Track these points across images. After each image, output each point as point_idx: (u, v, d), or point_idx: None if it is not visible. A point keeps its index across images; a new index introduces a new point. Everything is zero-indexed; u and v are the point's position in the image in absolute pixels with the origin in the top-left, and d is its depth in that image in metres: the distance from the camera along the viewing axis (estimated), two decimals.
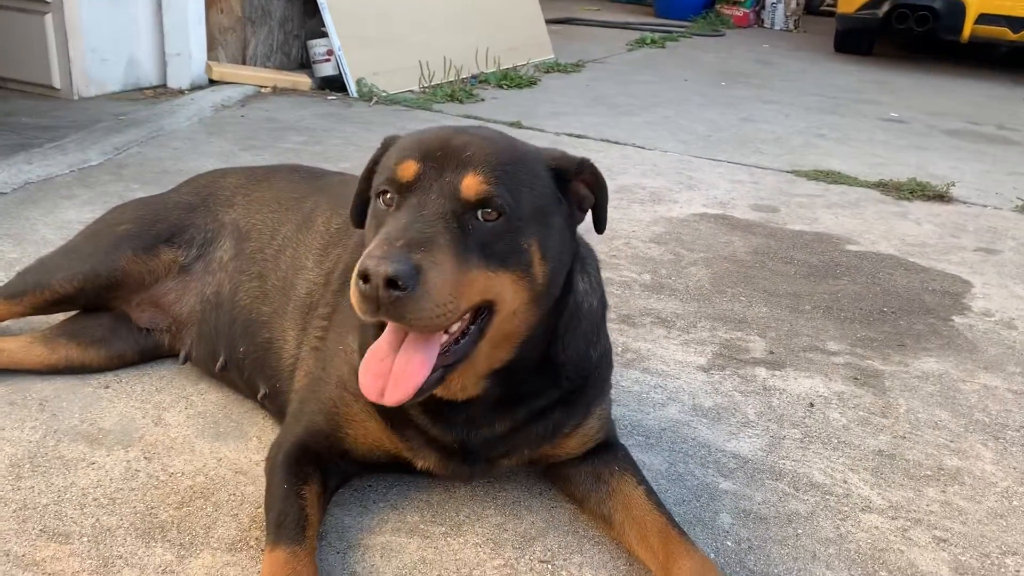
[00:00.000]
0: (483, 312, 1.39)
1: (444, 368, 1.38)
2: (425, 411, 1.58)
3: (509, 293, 1.38)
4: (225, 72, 5.43)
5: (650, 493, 1.66)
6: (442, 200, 1.33)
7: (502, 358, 1.51)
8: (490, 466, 1.69)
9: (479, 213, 1.34)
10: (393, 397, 1.33)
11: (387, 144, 1.54)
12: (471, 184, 1.34)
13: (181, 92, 5.20)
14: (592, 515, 1.72)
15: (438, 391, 1.46)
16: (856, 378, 2.44)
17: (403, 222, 1.30)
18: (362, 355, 1.57)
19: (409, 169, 1.37)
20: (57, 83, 4.85)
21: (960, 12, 7.85)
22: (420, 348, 1.34)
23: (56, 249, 2.20)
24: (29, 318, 2.17)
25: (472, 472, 1.68)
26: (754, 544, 1.73)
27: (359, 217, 1.57)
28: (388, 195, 1.39)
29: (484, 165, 1.36)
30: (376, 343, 1.38)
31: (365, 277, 1.23)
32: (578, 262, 1.61)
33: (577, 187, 1.52)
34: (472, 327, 1.39)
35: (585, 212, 1.56)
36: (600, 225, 1.57)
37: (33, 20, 4.77)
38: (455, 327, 1.37)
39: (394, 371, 1.34)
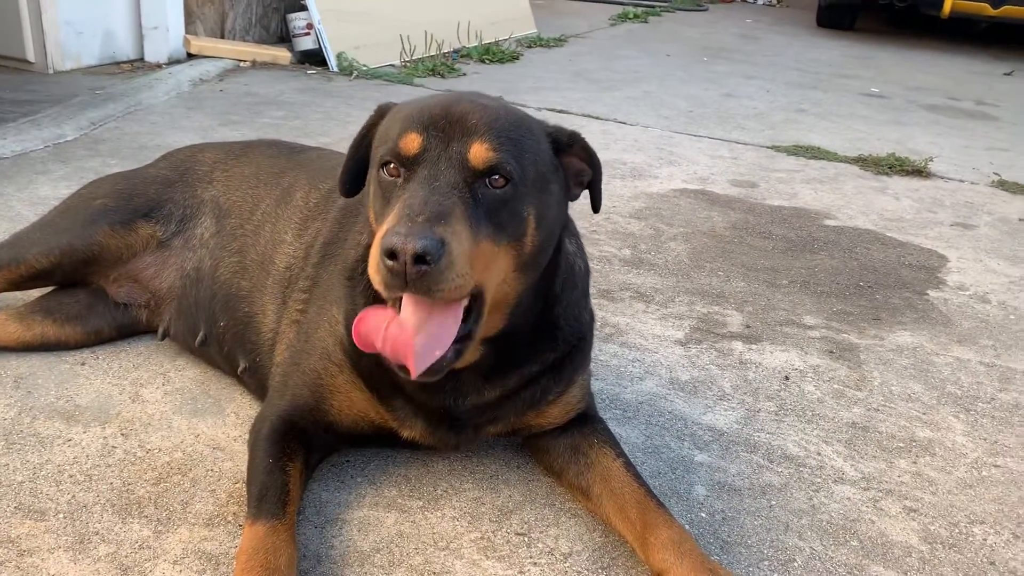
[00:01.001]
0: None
1: (459, 342, 1.37)
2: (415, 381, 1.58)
3: (501, 263, 1.39)
4: (203, 46, 5.36)
5: (628, 466, 1.67)
6: (451, 170, 1.33)
7: (495, 326, 1.52)
8: (476, 434, 1.70)
9: (487, 180, 1.35)
10: (421, 369, 1.32)
11: (382, 111, 1.54)
12: (479, 152, 1.34)
13: (159, 66, 5.14)
14: (570, 487, 1.74)
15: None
16: (831, 351, 2.47)
17: (419, 195, 1.30)
18: (347, 326, 1.59)
19: (414, 141, 1.36)
20: (31, 56, 4.78)
21: None
22: (444, 323, 1.33)
23: (31, 224, 2.18)
24: (3, 295, 2.16)
25: (459, 440, 1.69)
26: (728, 515, 1.75)
27: (349, 186, 1.58)
28: (392, 166, 1.38)
29: (489, 132, 1.36)
30: (399, 318, 1.34)
31: (391, 254, 1.23)
32: (567, 227, 1.64)
33: (571, 160, 1.53)
34: (475, 301, 1.38)
35: (582, 188, 1.57)
36: (596, 203, 1.58)
37: None
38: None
39: (419, 346, 1.32)
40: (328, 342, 1.65)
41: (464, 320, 1.36)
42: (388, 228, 1.26)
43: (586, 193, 1.61)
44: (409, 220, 1.26)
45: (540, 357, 1.63)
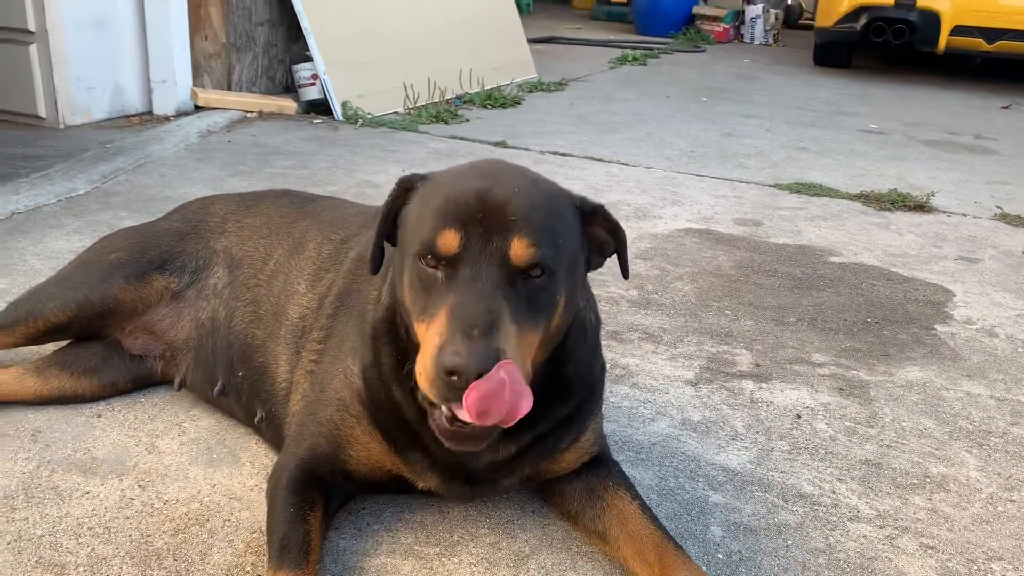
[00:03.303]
0: None
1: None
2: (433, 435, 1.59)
3: (533, 342, 1.42)
4: (211, 98, 5.45)
5: (644, 508, 1.68)
6: (493, 268, 1.35)
7: None
8: (491, 487, 1.71)
9: (528, 273, 1.37)
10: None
11: (406, 187, 1.52)
12: (519, 249, 1.35)
13: (167, 119, 5.22)
14: (586, 531, 1.74)
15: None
16: (842, 388, 2.48)
17: (468, 301, 1.31)
18: (365, 380, 1.62)
19: (453, 240, 1.36)
20: (43, 112, 4.87)
21: (935, 24, 7.97)
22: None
23: (48, 279, 2.21)
24: (20, 349, 2.18)
25: (474, 493, 1.71)
26: (745, 556, 1.75)
27: (377, 263, 1.58)
28: (431, 260, 1.38)
29: (528, 226, 1.37)
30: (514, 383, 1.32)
31: (453, 372, 1.25)
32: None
33: (595, 231, 1.54)
34: None
35: (604, 258, 1.59)
36: (624, 271, 1.61)
37: (18, 50, 4.79)
38: None
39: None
40: (344, 393, 1.67)
41: None
42: (443, 342, 1.28)
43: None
44: (465, 335, 1.27)
45: (553, 413, 1.64)
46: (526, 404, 1.30)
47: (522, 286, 1.36)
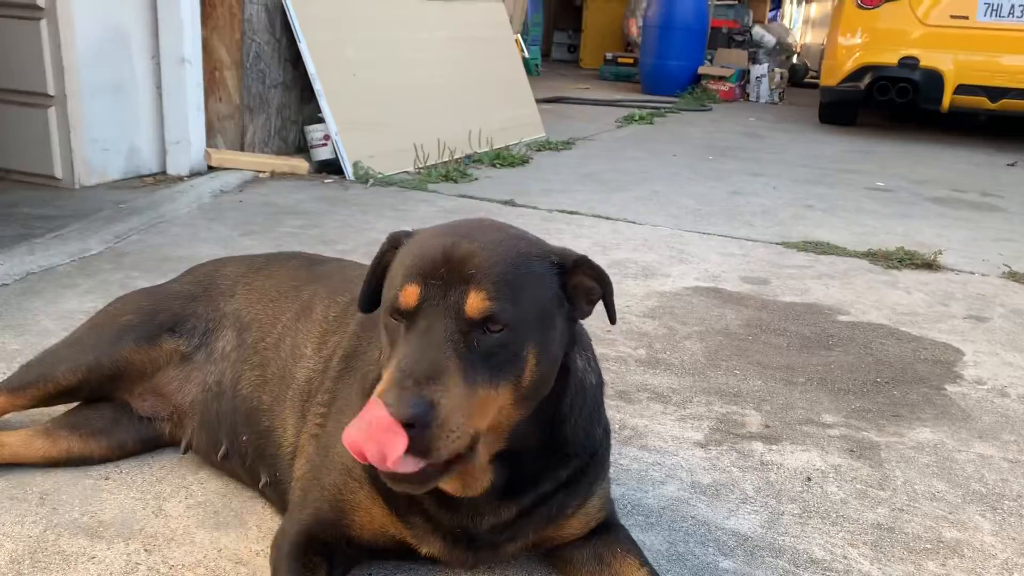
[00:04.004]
0: None
1: (445, 466, 1.37)
2: (432, 498, 1.59)
3: (499, 400, 1.40)
4: (224, 158, 5.55)
5: (653, 574, 1.66)
6: (448, 321, 1.36)
7: (491, 449, 1.52)
8: (495, 552, 1.69)
9: (484, 327, 1.37)
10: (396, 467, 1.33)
11: (394, 242, 1.57)
12: (474, 303, 1.36)
13: (181, 179, 5.31)
14: None
15: (444, 486, 1.50)
16: (852, 450, 2.46)
17: (413, 354, 1.33)
18: None
19: (413, 294, 1.39)
20: (59, 173, 4.95)
21: (939, 83, 8.08)
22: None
23: (59, 341, 2.23)
24: (29, 411, 2.19)
25: (477, 559, 1.69)
26: None
27: (368, 304, 1.62)
28: (396, 315, 1.41)
29: (486, 279, 1.38)
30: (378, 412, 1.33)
31: None
32: (576, 342, 1.64)
33: (581, 280, 1.53)
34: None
35: (593, 305, 1.58)
36: (611, 316, 1.59)
37: (37, 114, 4.90)
38: None
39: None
40: (347, 457, 1.66)
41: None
42: (381, 388, 1.31)
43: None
44: (399, 386, 1.29)
45: (553, 475, 1.63)
46: (395, 446, 1.27)
47: (479, 341, 1.36)
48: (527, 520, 1.65)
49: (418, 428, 1.27)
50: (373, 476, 1.63)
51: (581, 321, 1.76)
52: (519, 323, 1.38)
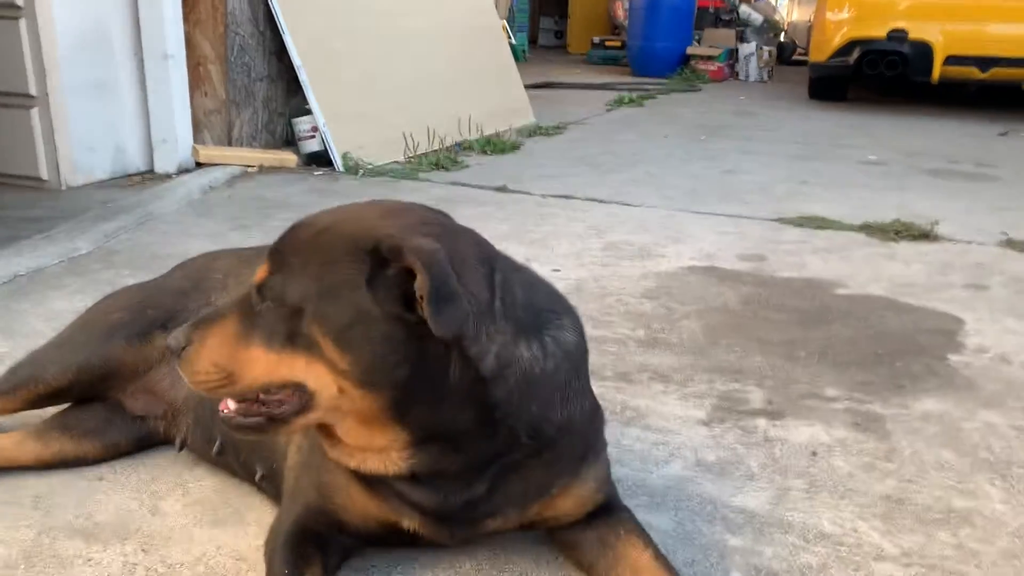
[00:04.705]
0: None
1: (268, 419, 1.51)
2: (399, 476, 1.57)
3: (312, 375, 1.44)
4: (211, 154, 5.49)
5: (658, 556, 1.63)
6: (248, 288, 1.51)
7: (398, 435, 1.49)
8: (474, 528, 1.64)
9: (264, 297, 1.47)
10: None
11: None
12: (259, 272, 1.50)
13: (168, 176, 5.25)
14: None
15: (370, 466, 1.54)
16: (857, 423, 2.43)
17: (214, 311, 1.56)
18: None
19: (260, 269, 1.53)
20: (44, 174, 4.89)
21: (928, 55, 8.05)
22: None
23: (48, 341, 2.19)
24: (21, 413, 2.15)
25: (454, 534, 1.64)
26: None
27: None
28: None
29: (275, 253, 1.49)
30: None
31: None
32: (507, 332, 1.50)
33: (402, 272, 1.38)
34: (294, 400, 1.48)
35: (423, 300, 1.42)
36: (431, 322, 1.34)
37: (19, 115, 4.83)
38: (273, 392, 1.49)
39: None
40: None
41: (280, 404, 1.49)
42: None
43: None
44: (185, 325, 1.55)
45: (506, 453, 1.57)
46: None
47: (260, 310, 1.47)
48: (504, 497, 1.60)
49: (176, 356, 1.50)
50: None
51: (562, 306, 1.70)
52: (288, 299, 1.44)
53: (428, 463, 1.53)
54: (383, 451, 1.52)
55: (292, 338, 1.43)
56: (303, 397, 1.46)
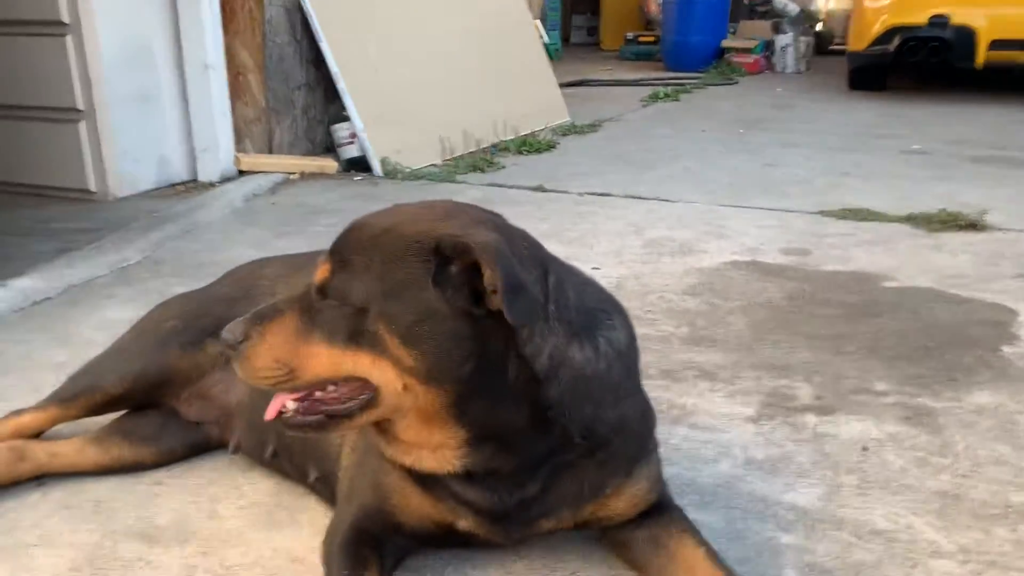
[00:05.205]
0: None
1: (328, 417, 1.52)
2: (454, 476, 1.59)
3: (377, 372, 1.46)
4: (253, 162, 5.57)
5: (711, 554, 1.63)
6: (307, 286, 1.52)
7: (456, 432, 1.51)
8: (529, 528, 1.66)
9: (326, 296, 1.48)
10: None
11: None
12: (319, 272, 1.50)
13: (212, 185, 5.33)
14: None
15: (426, 464, 1.56)
16: (909, 417, 2.40)
17: (275, 305, 1.56)
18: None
19: (321, 269, 1.53)
20: (92, 186, 5.00)
21: (972, 40, 7.88)
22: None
23: (104, 351, 2.24)
24: (80, 420, 2.20)
25: (509, 533, 1.66)
26: None
27: None
28: None
29: (336, 253, 1.50)
30: None
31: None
32: (560, 333, 1.53)
33: (468, 268, 1.41)
34: (360, 397, 1.49)
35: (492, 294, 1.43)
36: (507, 311, 1.36)
37: (67, 128, 4.95)
38: (333, 389, 1.51)
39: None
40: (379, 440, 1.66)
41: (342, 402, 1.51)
42: None
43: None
44: (242, 319, 1.54)
45: (560, 454, 1.59)
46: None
47: (320, 308, 1.48)
48: (554, 495, 1.61)
49: (234, 353, 1.50)
50: None
51: (612, 305, 1.72)
52: (352, 298, 1.45)
53: (482, 462, 1.54)
54: (439, 448, 1.54)
55: (356, 336, 1.45)
56: (368, 392, 1.48)
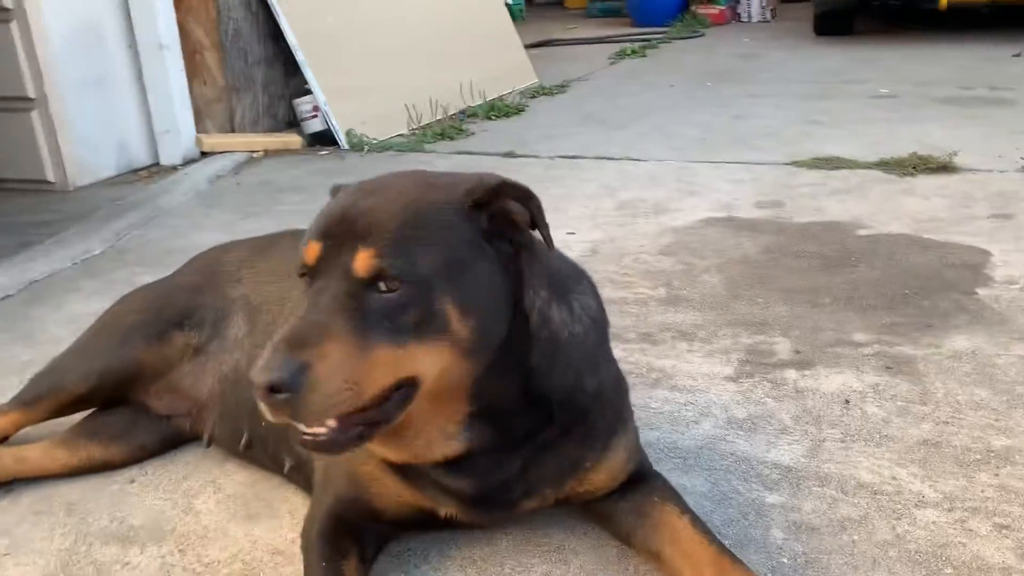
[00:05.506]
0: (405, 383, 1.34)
1: (364, 426, 1.33)
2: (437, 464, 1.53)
3: (430, 359, 1.33)
4: (215, 142, 5.45)
5: (695, 521, 1.61)
6: (340, 283, 1.30)
7: (460, 410, 1.46)
8: (512, 509, 1.63)
9: (378, 286, 1.30)
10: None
11: (334, 194, 1.51)
12: (362, 261, 1.29)
13: (174, 168, 5.22)
14: (640, 551, 1.67)
15: (417, 455, 1.48)
16: (888, 367, 2.39)
17: (300, 315, 1.30)
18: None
19: (312, 252, 1.34)
20: (51, 176, 4.88)
21: None
22: None
23: (67, 349, 2.18)
24: (46, 422, 2.15)
25: (493, 517, 1.63)
26: (811, 557, 1.67)
27: None
28: (304, 274, 1.37)
29: (377, 236, 1.30)
30: None
31: (258, 386, 1.24)
32: (545, 291, 1.51)
33: (503, 207, 1.41)
34: (395, 394, 1.33)
35: (524, 232, 1.46)
36: (547, 240, 1.45)
37: (20, 118, 4.81)
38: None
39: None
40: None
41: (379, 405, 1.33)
42: (261, 356, 1.27)
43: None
44: (272, 349, 1.25)
45: (544, 428, 1.55)
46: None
47: (374, 300, 1.29)
48: (535, 474, 1.58)
49: (288, 392, 1.21)
50: None
51: (577, 266, 1.70)
52: (417, 278, 1.30)
53: (475, 439, 1.48)
54: (439, 432, 1.46)
55: (421, 324, 1.30)
56: (411, 391, 1.34)
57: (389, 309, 1.29)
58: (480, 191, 1.39)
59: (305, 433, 1.31)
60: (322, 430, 1.30)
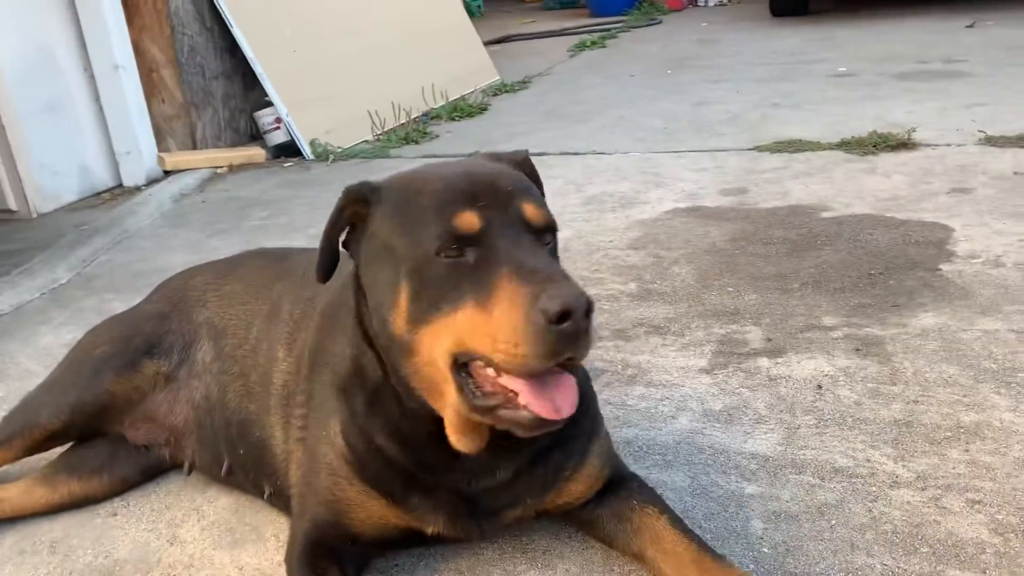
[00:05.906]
0: None
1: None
2: (432, 460, 1.55)
3: None
4: (178, 160, 5.41)
5: (675, 521, 1.63)
6: (525, 236, 1.34)
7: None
8: (497, 519, 1.63)
9: (545, 237, 1.39)
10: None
11: (358, 196, 1.47)
12: (532, 212, 1.36)
13: (138, 189, 5.17)
14: (624, 553, 1.69)
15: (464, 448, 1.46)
16: (858, 349, 2.43)
17: (530, 260, 1.28)
18: (345, 438, 1.59)
19: (473, 219, 1.33)
20: (12, 205, 4.82)
21: None
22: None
23: (39, 385, 2.16)
24: (24, 460, 2.13)
25: (481, 528, 1.63)
26: (791, 545, 1.70)
27: (326, 273, 1.52)
28: (453, 249, 1.32)
29: (527, 193, 1.41)
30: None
31: (565, 315, 1.18)
32: None
33: (532, 173, 1.61)
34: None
35: None
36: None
37: None
38: None
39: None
40: (331, 457, 1.62)
41: None
42: (533, 294, 1.21)
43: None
44: (558, 278, 1.23)
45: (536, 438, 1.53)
46: (567, 392, 1.32)
47: (546, 247, 1.39)
48: (523, 483, 1.60)
49: (576, 321, 1.19)
50: (360, 469, 1.59)
51: None
52: (551, 224, 1.43)
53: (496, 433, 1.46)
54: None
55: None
56: None
57: (553, 254, 1.41)
58: (518, 158, 1.60)
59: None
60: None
